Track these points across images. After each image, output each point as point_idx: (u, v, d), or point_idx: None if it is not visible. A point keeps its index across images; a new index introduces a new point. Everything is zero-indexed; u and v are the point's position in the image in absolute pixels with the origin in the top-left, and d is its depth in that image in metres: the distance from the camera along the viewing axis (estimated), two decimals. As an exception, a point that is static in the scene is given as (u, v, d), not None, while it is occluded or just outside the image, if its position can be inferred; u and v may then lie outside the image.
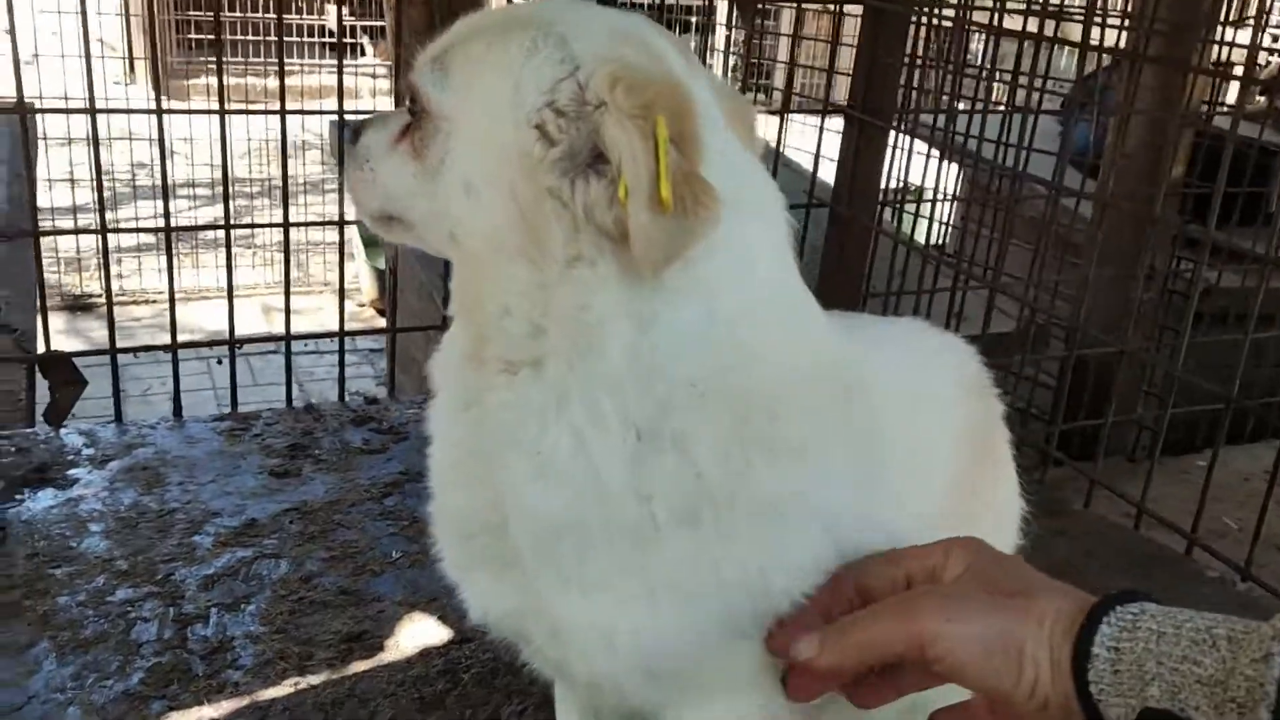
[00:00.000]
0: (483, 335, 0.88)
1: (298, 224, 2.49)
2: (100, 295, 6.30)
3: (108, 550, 1.78)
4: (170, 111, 2.35)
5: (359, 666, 1.52)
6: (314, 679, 1.49)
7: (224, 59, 2.29)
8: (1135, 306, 3.37)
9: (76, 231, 5.08)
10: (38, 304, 2.68)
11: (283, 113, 2.29)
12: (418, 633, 1.61)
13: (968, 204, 3.40)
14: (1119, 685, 0.75)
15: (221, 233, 2.38)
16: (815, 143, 2.87)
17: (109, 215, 2.24)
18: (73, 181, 6.59)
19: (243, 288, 6.47)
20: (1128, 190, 2.95)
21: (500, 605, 1.00)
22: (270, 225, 5.08)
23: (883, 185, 2.77)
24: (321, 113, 2.49)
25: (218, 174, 2.28)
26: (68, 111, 2.28)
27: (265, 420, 2.34)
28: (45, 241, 2.49)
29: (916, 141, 2.70)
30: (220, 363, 4.09)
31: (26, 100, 2.09)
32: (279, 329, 2.91)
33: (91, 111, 2.14)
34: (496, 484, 0.90)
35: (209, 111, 2.35)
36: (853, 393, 0.96)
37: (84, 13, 2.19)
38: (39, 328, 2.58)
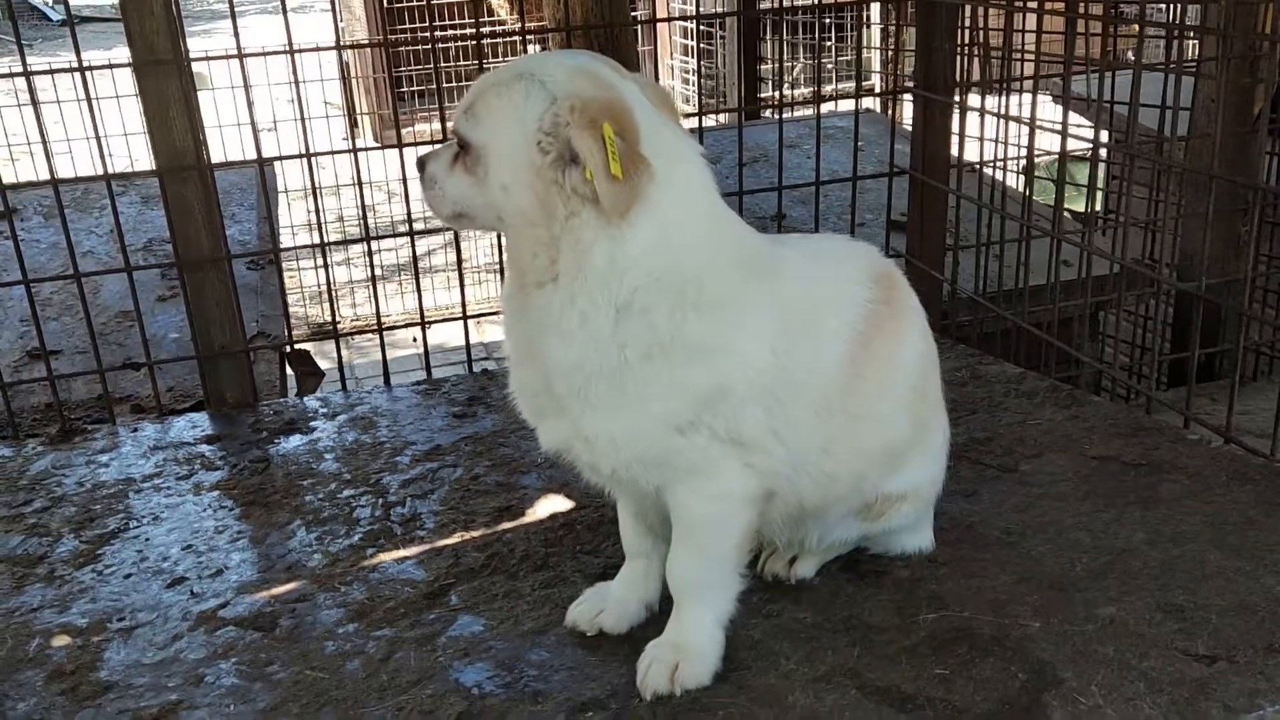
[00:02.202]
0: (522, 270, 1.47)
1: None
2: (339, 323, 7.34)
3: (337, 469, 2.47)
4: (362, 150, 3.06)
5: (506, 525, 2.12)
6: (474, 533, 2.10)
7: (428, 106, 2.97)
8: (1239, 239, 3.60)
9: (310, 246, 5.98)
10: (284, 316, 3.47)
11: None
12: (550, 505, 2.20)
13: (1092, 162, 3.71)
14: None
15: (437, 258, 3.06)
16: (897, 119, 3.29)
17: (340, 254, 2.96)
18: (310, 226, 7.69)
19: (457, 306, 7.41)
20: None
21: (558, 437, 1.57)
22: (433, 231, 5.80)
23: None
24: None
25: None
26: (293, 157, 3.01)
27: (452, 382, 3.01)
28: (291, 280, 3.24)
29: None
30: (415, 340, 4.88)
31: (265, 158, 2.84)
32: (489, 339, 3.58)
33: (308, 155, 2.88)
34: (541, 358, 1.48)
35: (386, 147, 3.04)
36: (764, 273, 1.48)
37: (295, 81, 2.93)
38: (286, 333, 3.36)
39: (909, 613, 1.70)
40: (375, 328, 3.09)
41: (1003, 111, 3.08)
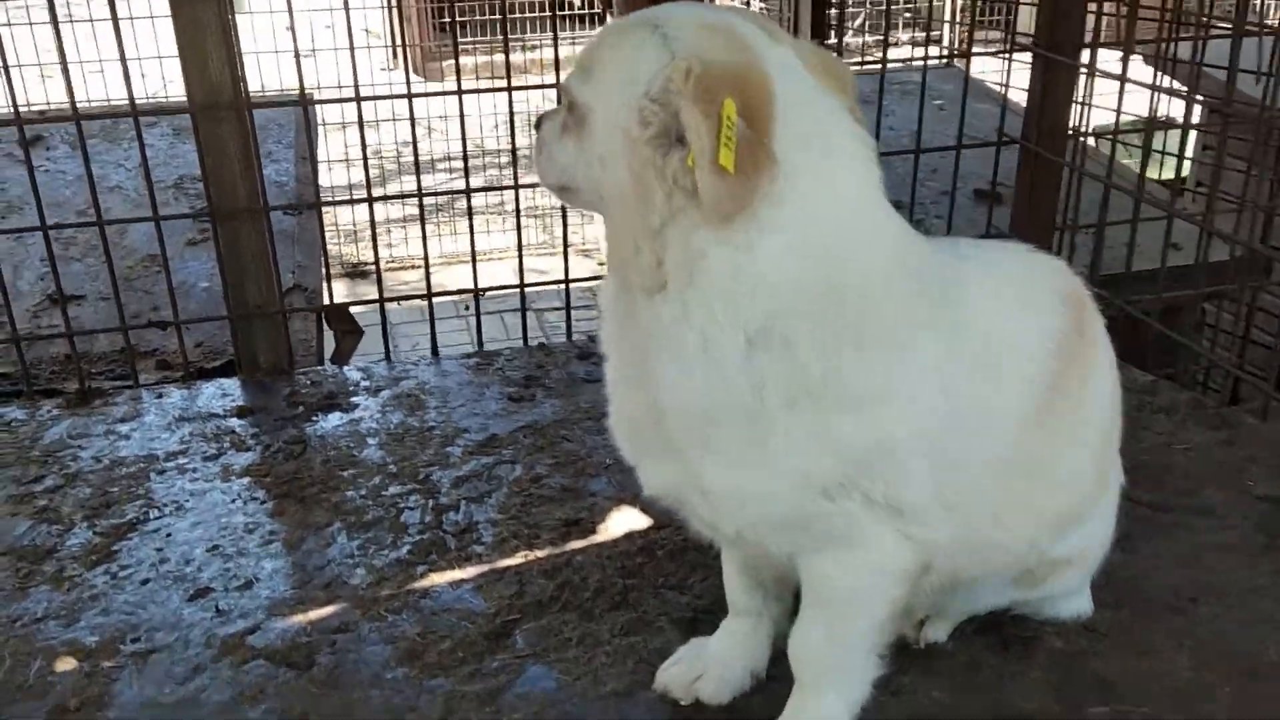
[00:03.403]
0: (624, 267, 1.16)
1: (526, 185, 2.85)
2: (372, 265, 7.06)
3: (381, 458, 2.20)
4: (417, 95, 2.75)
5: (575, 544, 1.85)
6: (539, 553, 1.83)
7: (473, 38, 2.66)
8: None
9: (351, 202, 5.70)
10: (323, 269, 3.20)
11: (509, 89, 2.64)
12: (624, 520, 1.92)
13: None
14: None
15: (477, 199, 2.76)
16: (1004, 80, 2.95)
17: (377, 190, 2.67)
18: (348, 162, 7.38)
19: (497, 251, 7.10)
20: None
21: (665, 480, 1.29)
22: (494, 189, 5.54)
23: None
24: (543, 86, 2.82)
25: (475, 147, 2.65)
26: (340, 101, 2.71)
27: (506, 357, 2.73)
28: (326, 216, 2.96)
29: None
30: (467, 309, 4.58)
31: (306, 91, 2.54)
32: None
33: (357, 100, 2.57)
34: (652, 385, 1.18)
35: (446, 93, 2.73)
36: (941, 298, 1.17)
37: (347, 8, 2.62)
38: (324, 288, 3.09)
39: (1071, 700, 1.41)
40: (425, 294, 2.80)
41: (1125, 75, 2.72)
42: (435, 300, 2.85)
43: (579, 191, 1.24)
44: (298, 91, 2.65)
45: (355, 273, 7.41)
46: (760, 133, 1.05)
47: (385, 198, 4.64)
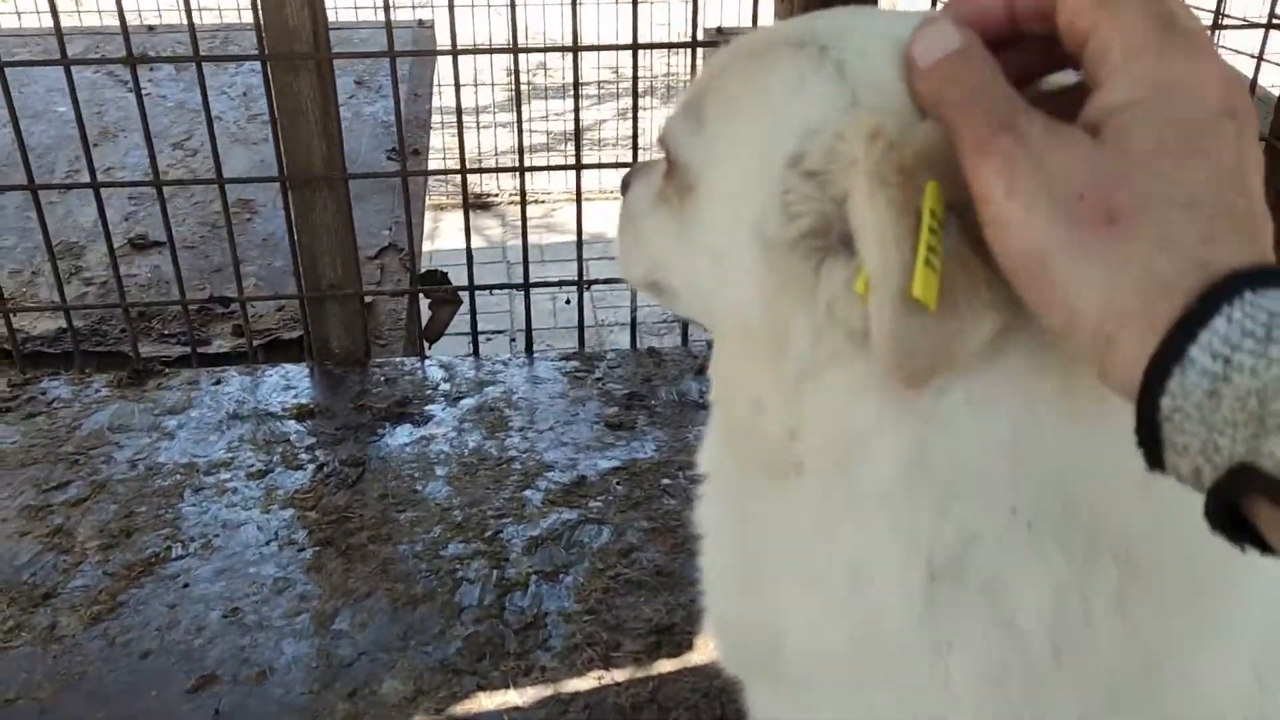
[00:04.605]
0: (737, 430, 0.74)
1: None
2: (497, 196, 6.73)
3: (447, 497, 1.85)
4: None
5: (664, 666, 1.46)
6: (618, 674, 1.45)
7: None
8: None
9: (444, 172, 5.35)
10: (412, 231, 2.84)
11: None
12: (727, 633, 1.53)
13: None
14: (1209, 415, 0.46)
15: (609, 131, 2.36)
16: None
17: (505, 116, 2.28)
18: (475, 85, 7.02)
19: (617, 191, 6.67)
20: None
21: (778, 713, 0.87)
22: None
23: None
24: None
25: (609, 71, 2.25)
26: (437, 53, 2.33)
27: (609, 363, 2.34)
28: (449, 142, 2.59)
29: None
30: (569, 302, 4.16)
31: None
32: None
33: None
34: (768, 602, 0.76)
35: None
36: None
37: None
38: (412, 254, 2.74)
39: None
40: (522, 285, 2.42)
41: None
42: (551, 226, 2.46)
43: (677, 296, 0.81)
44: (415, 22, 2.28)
45: (476, 204, 7.10)
46: (977, 242, 0.60)
47: (480, 170, 4.32)
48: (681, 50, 7.23)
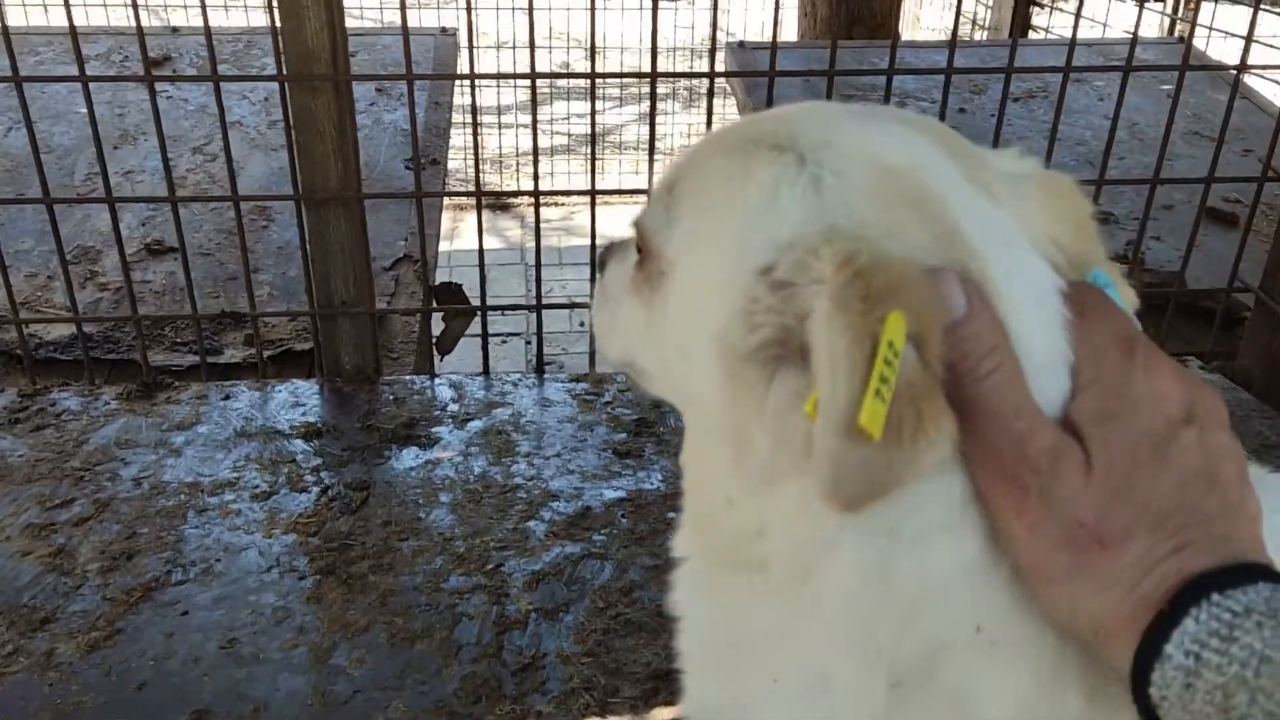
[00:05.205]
0: (705, 521, 0.73)
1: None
2: (516, 199, 6.72)
3: (450, 526, 1.83)
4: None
5: (660, 715, 1.45)
6: (613, 722, 1.44)
7: None
8: None
9: (456, 194, 5.35)
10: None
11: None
12: (727, 681, 1.51)
13: None
14: (1188, 704, 0.54)
15: (630, 135, 2.34)
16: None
17: (525, 117, 2.26)
18: (498, 86, 7.00)
19: (636, 196, 6.65)
20: None
21: None
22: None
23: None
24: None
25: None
26: (458, 77, 2.31)
27: (619, 386, 2.33)
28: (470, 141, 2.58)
29: None
30: (583, 325, 4.13)
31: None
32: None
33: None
34: (739, 692, 0.75)
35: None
36: None
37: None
38: (425, 266, 2.72)
39: None
40: (533, 305, 2.40)
41: None
42: (568, 230, 2.44)
43: (652, 380, 0.81)
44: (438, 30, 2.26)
45: (497, 205, 7.10)
46: (935, 373, 0.58)
47: (488, 191, 4.32)
48: (704, 55, 7.21)
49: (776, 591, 0.68)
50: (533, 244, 2.43)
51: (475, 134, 2.26)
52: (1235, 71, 2.31)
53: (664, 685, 1.50)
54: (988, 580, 0.62)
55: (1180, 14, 5.02)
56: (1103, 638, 0.58)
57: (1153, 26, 5.18)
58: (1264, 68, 3.51)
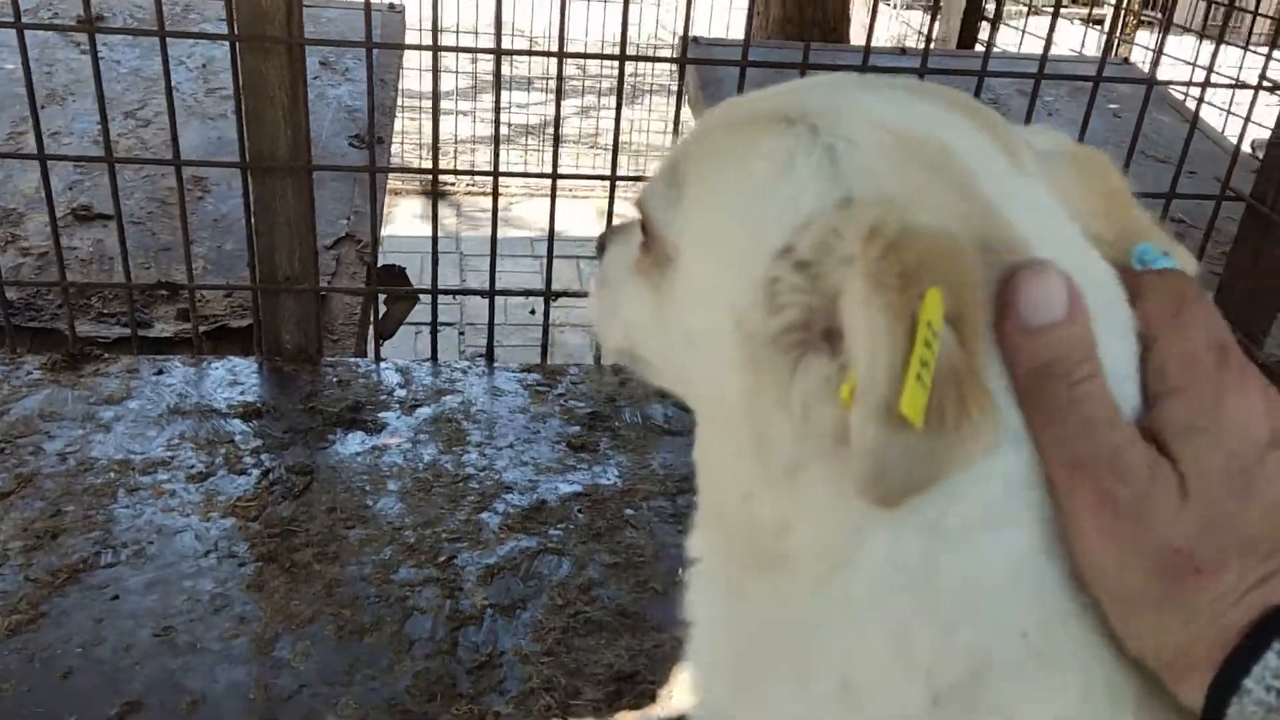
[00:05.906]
0: (725, 517, 0.67)
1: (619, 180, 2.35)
2: (454, 186, 6.59)
3: (399, 515, 1.76)
4: None
5: (625, 718, 1.39)
6: (575, 724, 1.38)
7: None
8: None
9: (415, 170, 5.25)
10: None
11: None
12: (691, 684, 1.46)
13: None
14: None
15: (570, 128, 2.28)
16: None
17: (466, 104, 2.19)
18: (437, 71, 6.88)
19: (581, 189, 6.59)
20: None
21: None
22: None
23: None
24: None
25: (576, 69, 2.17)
26: (414, 47, 2.21)
27: (571, 379, 2.27)
28: (409, 126, 2.49)
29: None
30: (534, 312, 4.05)
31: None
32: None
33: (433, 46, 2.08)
34: (756, 705, 0.70)
35: None
36: None
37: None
38: (372, 246, 2.63)
39: None
40: (488, 291, 2.33)
41: None
42: (512, 223, 2.37)
43: (657, 371, 0.75)
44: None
45: (433, 192, 6.95)
46: (975, 353, 0.53)
47: (446, 172, 4.26)
48: (655, 58, 7.16)
49: (801, 592, 0.63)
50: (468, 232, 2.37)
51: (435, 110, 2.17)
52: (1148, 85, 2.33)
53: (627, 688, 1.44)
54: (1038, 584, 0.57)
55: (1120, 35, 5.13)
56: (1179, 670, 0.55)
57: (1091, 45, 5.28)
58: (1174, 83, 3.65)
